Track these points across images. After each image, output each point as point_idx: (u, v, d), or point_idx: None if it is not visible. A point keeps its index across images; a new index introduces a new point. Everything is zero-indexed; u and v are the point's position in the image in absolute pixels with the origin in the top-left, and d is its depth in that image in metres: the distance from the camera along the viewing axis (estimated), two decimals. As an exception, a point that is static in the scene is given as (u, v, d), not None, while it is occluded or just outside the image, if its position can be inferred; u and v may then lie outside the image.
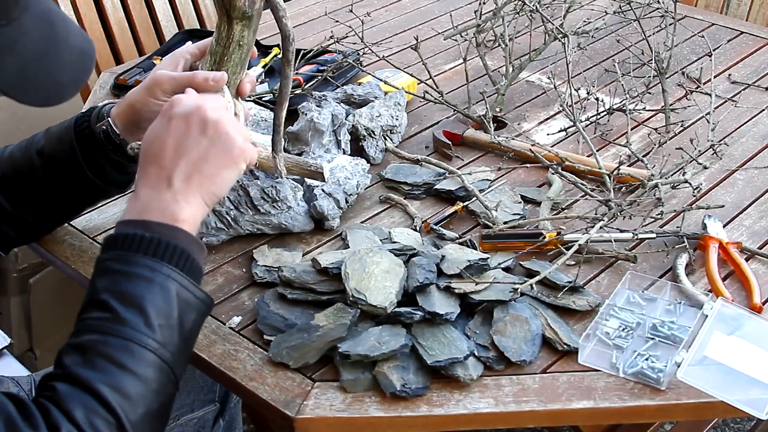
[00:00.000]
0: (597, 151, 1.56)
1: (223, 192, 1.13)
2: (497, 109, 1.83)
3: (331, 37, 1.95)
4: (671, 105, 1.83)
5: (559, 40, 1.76)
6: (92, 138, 1.29)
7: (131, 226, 1.05)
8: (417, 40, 1.83)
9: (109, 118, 1.28)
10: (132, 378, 0.98)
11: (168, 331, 1.02)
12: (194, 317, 1.06)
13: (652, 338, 1.25)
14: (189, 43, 1.32)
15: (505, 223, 1.48)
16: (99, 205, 1.50)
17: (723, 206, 1.52)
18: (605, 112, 1.80)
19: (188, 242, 1.06)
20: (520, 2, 1.92)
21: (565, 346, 1.24)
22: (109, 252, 1.05)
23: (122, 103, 1.28)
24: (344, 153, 1.64)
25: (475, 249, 1.40)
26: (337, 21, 2.02)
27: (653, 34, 1.94)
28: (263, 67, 1.94)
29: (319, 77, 1.86)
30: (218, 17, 1.20)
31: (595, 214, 1.43)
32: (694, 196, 1.56)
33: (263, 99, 1.78)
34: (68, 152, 1.30)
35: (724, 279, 1.38)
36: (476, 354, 1.22)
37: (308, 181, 1.50)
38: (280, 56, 1.99)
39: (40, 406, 0.94)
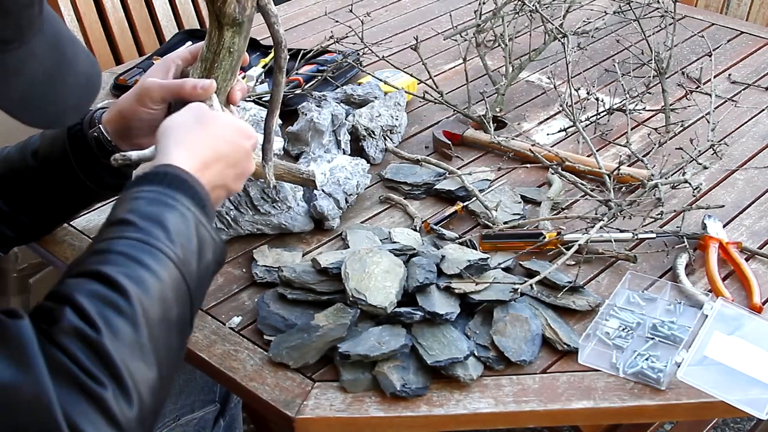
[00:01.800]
0: (597, 151, 1.56)
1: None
2: (497, 109, 1.83)
3: (331, 37, 1.95)
4: (671, 105, 1.83)
5: (559, 40, 1.76)
6: (85, 142, 1.28)
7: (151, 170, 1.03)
8: (417, 40, 1.83)
9: (100, 125, 1.27)
10: (151, 275, 0.91)
11: (188, 254, 0.96)
12: (209, 258, 1.01)
13: (652, 338, 1.25)
14: (189, 43, 1.32)
15: (505, 223, 1.48)
16: (98, 205, 1.50)
17: (723, 206, 1.52)
18: (605, 112, 1.80)
19: (206, 193, 1.04)
20: (520, 2, 1.92)
21: (565, 346, 1.24)
22: (127, 190, 1.01)
23: (113, 109, 1.27)
24: (344, 153, 1.64)
25: (475, 249, 1.40)
26: (337, 21, 2.02)
27: (653, 34, 1.94)
28: (263, 67, 1.94)
29: (319, 77, 1.86)
30: (209, 23, 1.19)
31: (595, 214, 1.43)
32: (694, 196, 1.57)
33: (263, 99, 1.78)
34: (61, 155, 1.29)
35: (724, 279, 1.38)
36: (476, 354, 1.22)
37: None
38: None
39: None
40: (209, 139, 1.09)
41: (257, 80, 1.89)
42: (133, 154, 1.16)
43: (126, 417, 0.84)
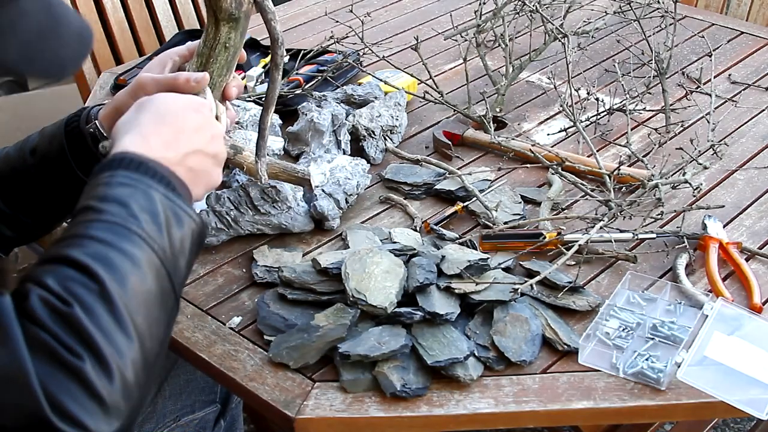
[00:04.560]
0: (597, 151, 1.56)
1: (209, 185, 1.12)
2: (497, 109, 1.83)
3: (331, 37, 1.95)
4: (671, 105, 1.83)
5: (559, 40, 1.76)
6: (81, 138, 1.28)
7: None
8: (417, 40, 1.83)
9: (96, 121, 1.27)
10: (112, 249, 0.90)
11: (155, 228, 0.94)
12: (183, 232, 0.98)
13: (652, 338, 1.25)
14: (189, 43, 1.32)
15: (505, 223, 1.48)
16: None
17: (723, 206, 1.52)
18: (605, 112, 1.80)
19: (166, 169, 1.01)
20: (520, 2, 1.92)
21: (565, 347, 1.24)
22: (88, 183, 1.00)
23: (109, 106, 1.27)
24: (344, 153, 1.64)
25: (475, 249, 1.40)
26: (337, 21, 2.02)
27: (653, 34, 1.94)
28: (263, 67, 1.94)
29: (319, 77, 1.86)
30: (207, 18, 1.19)
31: (595, 214, 1.43)
32: (694, 196, 1.56)
33: (263, 99, 1.78)
34: (59, 152, 1.29)
35: (724, 279, 1.38)
36: (476, 354, 1.22)
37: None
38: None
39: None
40: (147, 115, 1.07)
41: (257, 80, 1.89)
42: None
43: (107, 389, 0.83)
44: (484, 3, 1.94)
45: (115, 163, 1.00)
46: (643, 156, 1.61)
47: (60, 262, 0.89)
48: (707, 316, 1.28)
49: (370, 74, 1.88)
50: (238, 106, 1.68)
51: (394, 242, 1.41)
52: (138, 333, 0.88)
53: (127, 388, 0.86)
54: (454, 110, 1.80)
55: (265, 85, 1.89)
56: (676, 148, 1.65)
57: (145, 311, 0.90)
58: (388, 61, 1.89)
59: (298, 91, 1.80)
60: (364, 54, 1.95)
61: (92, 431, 0.82)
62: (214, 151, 1.11)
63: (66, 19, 1.04)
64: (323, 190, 1.48)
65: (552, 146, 1.72)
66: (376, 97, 1.77)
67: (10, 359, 0.81)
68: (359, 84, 1.82)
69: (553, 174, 1.59)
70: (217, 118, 1.19)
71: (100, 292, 0.87)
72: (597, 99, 1.83)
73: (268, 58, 1.97)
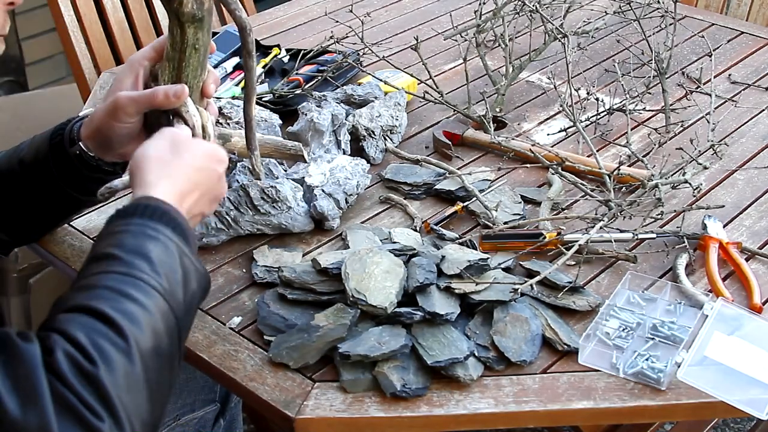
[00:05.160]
0: (597, 151, 1.56)
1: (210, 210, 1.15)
2: (497, 109, 1.83)
3: (331, 37, 1.95)
4: (671, 105, 1.83)
5: (559, 40, 1.76)
6: (66, 153, 1.26)
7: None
8: (417, 40, 1.83)
9: (80, 143, 1.25)
10: (139, 308, 0.90)
11: (173, 284, 0.96)
12: (195, 288, 1.01)
13: (652, 338, 1.25)
14: (154, 42, 1.29)
15: (505, 223, 1.48)
16: (99, 205, 1.50)
17: (723, 206, 1.52)
18: (605, 112, 1.80)
19: (186, 223, 1.03)
20: (520, 2, 1.92)
21: (565, 347, 1.24)
22: (109, 224, 1.01)
23: (90, 125, 1.24)
24: (344, 153, 1.64)
25: (475, 249, 1.40)
26: (337, 21, 2.02)
27: (653, 34, 1.94)
28: (263, 67, 1.94)
29: (319, 77, 1.86)
30: (169, 21, 1.16)
31: (595, 214, 1.43)
32: (694, 196, 1.56)
33: (263, 99, 1.78)
34: (43, 164, 1.28)
35: (724, 279, 1.38)
36: (476, 354, 1.22)
37: (308, 181, 1.50)
38: (280, 56, 1.99)
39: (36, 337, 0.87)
40: (185, 168, 1.08)
41: (257, 80, 1.89)
42: (118, 184, 1.17)
43: None
44: (484, 3, 1.94)
45: (140, 209, 1.00)
46: (643, 156, 1.61)
47: (87, 313, 0.89)
48: (707, 316, 1.28)
49: (370, 74, 1.88)
50: (239, 106, 1.68)
51: (394, 242, 1.40)
52: (150, 394, 0.89)
53: None
54: (454, 110, 1.80)
55: (265, 85, 1.89)
56: (676, 148, 1.65)
57: (157, 372, 0.91)
58: (388, 61, 1.89)
59: (298, 91, 1.80)
60: (364, 54, 1.95)
61: None
62: (218, 194, 1.14)
63: None
64: (323, 190, 1.48)
65: (552, 146, 1.72)
66: (376, 97, 1.77)
67: (39, 420, 0.81)
68: (359, 84, 1.82)
69: (553, 174, 1.59)
70: (203, 128, 1.18)
71: (124, 349, 0.87)
72: (597, 99, 1.83)
73: (268, 58, 1.97)
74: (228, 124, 1.55)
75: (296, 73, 1.89)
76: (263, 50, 2.02)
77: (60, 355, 0.85)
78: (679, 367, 1.20)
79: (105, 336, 0.87)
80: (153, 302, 0.93)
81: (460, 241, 1.42)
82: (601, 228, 1.39)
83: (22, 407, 0.81)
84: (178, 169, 1.08)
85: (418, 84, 1.88)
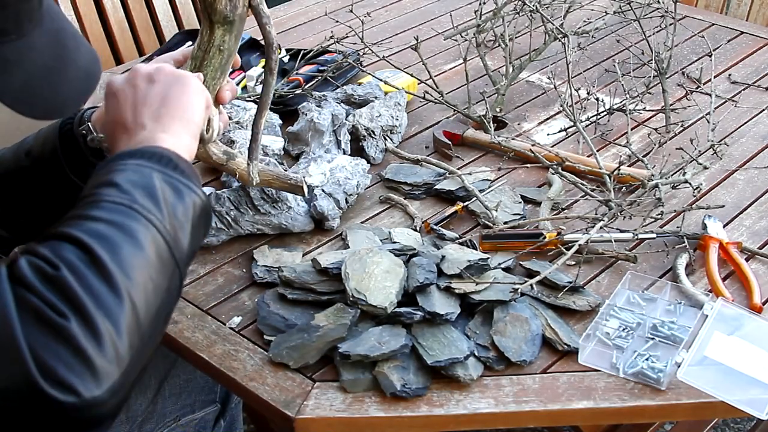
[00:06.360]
0: (597, 151, 1.56)
1: (198, 117, 1.09)
2: (497, 109, 1.83)
3: (331, 37, 1.95)
4: (671, 105, 1.83)
5: (559, 40, 1.76)
6: (75, 141, 1.28)
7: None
8: (417, 40, 1.83)
9: (88, 123, 1.25)
10: (108, 225, 0.89)
11: (150, 200, 0.93)
12: (184, 204, 0.97)
13: (652, 338, 1.25)
14: (189, 43, 1.31)
15: (505, 223, 1.48)
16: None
17: (723, 206, 1.52)
18: (605, 112, 1.80)
19: (171, 153, 1.01)
20: (520, 2, 1.92)
21: (565, 346, 1.24)
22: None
23: (101, 110, 1.25)
24: (344, 153, 1.64)
25: (475, 249, 1.40)
26: (337, 21, 2.02)
27: (653, 34, 1.94)
28: (263, 67, 1.94)
29: (319, 77, 1.86)
30: (201, 21, 1.19)
31: (595, 214, 1.43)
32: (694, 196, 1.57)
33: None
34: (52, 154, 1.28)
35: (724, 279, 1.38)
36: (476, 354, 1.22)
37: (308, 180, 1.50)
38: (280, 56, 1.99)
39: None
40: (130, 109, 1.08)
41: (257, 80, 1.89)
42: None
43: (95, 351, 0.81)
44: (484, 3, 1.94)
45: (112, 158, 0.99)
46: (643, 156, 1.61)
47: (50, 238, 0.88)
48: (707, 316, 1.28)
49: (370, 74, 1.88)
50: (239, 106, 1.68)
51: (394, 242, 1.41)
52: (131, 298, 0.86)
53: (118, 352, 0.83)
54: (454, 110, 1.81)
55: (265, 85, 1.89)
56: (676, 148, 1.66)
57: (139, 278, 0.88)
58: (388, 61, 1.89)
59: (298, 91, 1.80)
60: (364, 54, 1.95)
61: (81, 393, 0.80)
62: (203, 115, 1.11)
63: (76, 55, 1.01)
64: (323, 190, 1.48)
65: (552, 146, 1.72)
66: (376, 97, 1.77)
67: (2, 321, 0.80)
68: (359, 84, 1.82)
69: (553, 174, 1.59)
70: (209, 122, 1.18)
71: (90, 259, 0.86)
72: (597, 99, 1.83)
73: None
74: (233, 145, 1.54)
75: (296, 73, 1.89)
76: (263, 50, 2.02)
77: (23, 263, 0.84)
78: (679, 367, 1.20)
79: (67, 249, 0.86)
80: (120, 215, 0.90)
81: (460, 241, 1.42)
82: (601, 228, 1.39)
83: None
84: (127, 103, 1.08)
85: (418, 84, 1.88)
